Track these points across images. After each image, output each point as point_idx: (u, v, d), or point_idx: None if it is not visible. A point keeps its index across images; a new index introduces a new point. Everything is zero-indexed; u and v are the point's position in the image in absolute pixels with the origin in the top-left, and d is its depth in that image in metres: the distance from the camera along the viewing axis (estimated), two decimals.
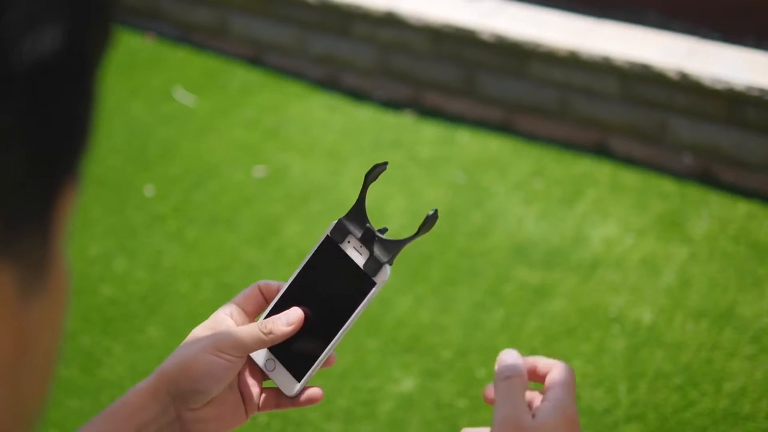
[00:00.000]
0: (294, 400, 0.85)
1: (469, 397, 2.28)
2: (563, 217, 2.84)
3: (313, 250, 0.85)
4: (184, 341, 0.82)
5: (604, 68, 3.09)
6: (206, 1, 3.75)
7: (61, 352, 0.43)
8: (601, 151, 3.13)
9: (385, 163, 0.84)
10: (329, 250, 0.85)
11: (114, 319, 2.48)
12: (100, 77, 0.40)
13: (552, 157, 3.11)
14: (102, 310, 2.51)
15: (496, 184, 2.98)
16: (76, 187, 0.40)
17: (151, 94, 3.46)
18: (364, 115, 3.35)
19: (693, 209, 2.88)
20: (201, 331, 0.83)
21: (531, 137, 3.20)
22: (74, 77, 0.38)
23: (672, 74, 3.00)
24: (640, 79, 3.06)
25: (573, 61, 3.13)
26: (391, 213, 2.85)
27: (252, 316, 0.86)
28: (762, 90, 2.90)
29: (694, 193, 2.95)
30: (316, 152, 3.15)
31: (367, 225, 0.84)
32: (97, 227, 2.79)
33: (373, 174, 0.83)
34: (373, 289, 0.83)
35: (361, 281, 0.83)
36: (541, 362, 0.82)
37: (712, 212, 2.87)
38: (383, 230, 0.84)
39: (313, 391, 0.85)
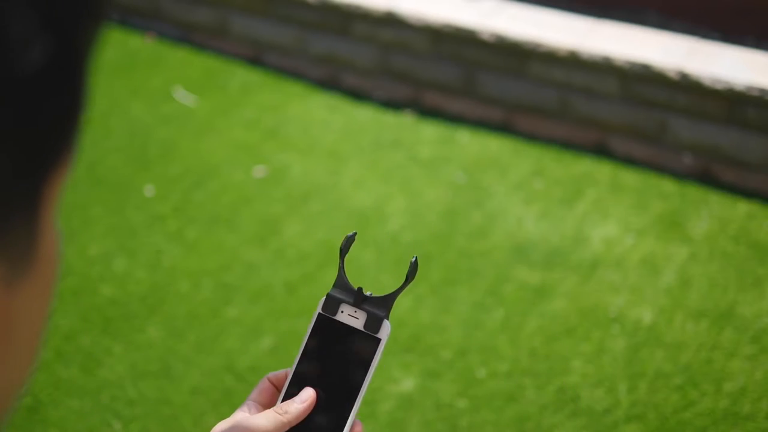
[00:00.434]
0: None
1: (469, 397, 2.28)
2: (563, 217, 2.84)
3: (309, 330, 0.88)
4: None
5: (604, 68, 3.10)
6: (206, 1, 3.75)
7: (46, 333, 0.44)
8: (601, 151, 3.13)
9: (354, 233, 0.89)
10: (325, 325, 0.87)
11: (114, 319, 2.48)
12: (89, 72, 0.41)
13: (552, 157, 3.11)
14: (102, 310, 2.51)
15: (496, 184, 2.98)
16: (65, 171, 0.41)
17: (151, 94, 3.46)
18: (364, 115, 3.35)
19: (693, 209, 2.88)
20: (222, 424, 0.85)
21: (531, 137, 3.20)
22: (64, 78, 0.39)
23: (672, 74, 3.00)
24: (640, 79, 3.06)
25: (573, 61, 3.13)
26: (391, 213, 2.85)
27: (268, 407, 0.89)
28: (762, 90, 2.90)
29: (694, 193, 2.95)
30: (316, 152, 3.15)
31: (356, 289, 0.87)
32: (97, 227, 2.79)
33: (346, 246, 0.88)
34: (380, 346, 0.86)
35: (366, 342, 0.86)
36: None
37: (712, 212, 2.87)
38: (370, 294, 0.88)
39: None
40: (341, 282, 0.88)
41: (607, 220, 2.83)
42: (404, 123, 3.30)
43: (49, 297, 0.42)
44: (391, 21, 3.38)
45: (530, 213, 2.86)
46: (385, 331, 0.86)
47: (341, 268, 0.89)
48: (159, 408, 2.25)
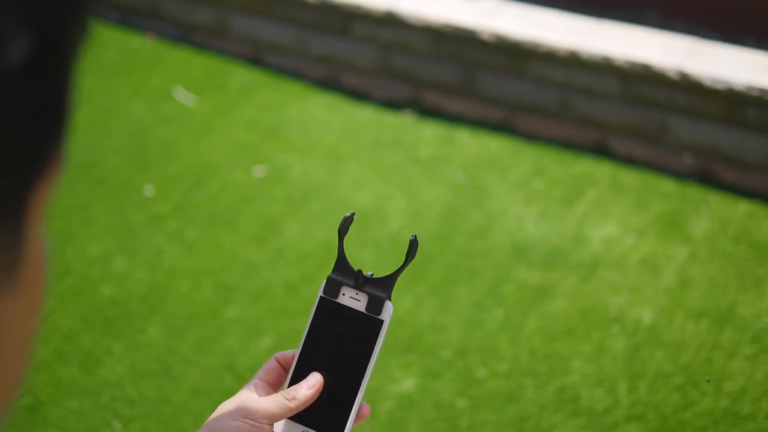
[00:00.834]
0: None
1: (469, 397, 2.28)
2: (563, 217, 2.84)
3: (312, 314, 0.88)
4: (212, 415, 0.84)
5: (604, 68, 3.09)
6: (206, 1, 3.75)
7: (38, 340, 0.43)
8: (601, 151, 3.13)
9: (352, 213, 0.89)
10: (327, 309, 0.88)
11: (114, 319, 2.48)
12: (75, 74, 0.40)
13: (552, 157, 3.11)
14: (102, 310, 2.51)
15: (496, 184, 2.98)
16: (54, 175, 0.40)
17: (151, 94, 3.46)
18: (364, 115, 3.35)
19: (693, 209, 2.88)
20: (227, 404, 0.84)
21: (531, 137, 3.20)
22: (48, 79, 0.38)
23: (672, 74, 3.00)
24: (640, 79, 3.06)
25: (573, 61, 3.13)
26: (391, 213, 2.85)
27: (275, 387, 0.88)
28: (762, 90, 2.90)
29: (694, 193, 2.95)
30: (316, 152, 3.15)
31: (357, 271, 0.87)
32: (97, 227, 2.79)
33: (344, 226, 0.88)
34: (383, 327, 0.86)
35: (369, 324, 0.87)
36: None
37: (712, 212, 2.87)
38: (370, 275, 0.88)
39: None
40: (341, 264, 0.88)
41: (607, 220, 2.83)
42: (404, 123, 3.30)
43: (37, 308, 0.41)
44: (391, 21, 3.38)
45: (530, 213, 2.86)
46: (387, 313, 0.86)
47: (341, 251, 0.88)
48: (159, 408, 2.25)
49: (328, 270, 0.91)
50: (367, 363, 0.86)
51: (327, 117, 3.34)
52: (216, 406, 0.86)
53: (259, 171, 3.05)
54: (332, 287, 0.87)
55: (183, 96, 3.45)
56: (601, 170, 3.05)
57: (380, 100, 3.41)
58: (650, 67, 3.03)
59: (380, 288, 0.87)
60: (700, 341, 2.42)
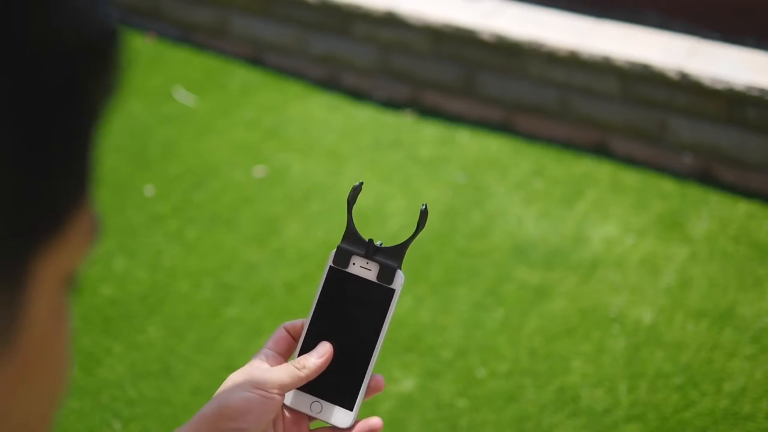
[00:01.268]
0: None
1: (469, 396, 2.28)
2: (563, 217, 2.84)
3: (322, 284, 0.86)
4: (221, 386, 0.82)
5: (604, 68, 3.09)
6: (206, 1, 3.75)
7: (55, 418, 0.39)
8: (601, 151, 3.13)
9: (361, 183, 0.87)
10: (337, 279, 0.86)
11: (114, 319, 2.48)
12: (97, 135, 0.37)
13: (552, 157, 3.11)
14: (102, 310, 2.51)
15: (496, 184, 2.98)
16: (76, 242, 0.37)
17: (151, 94, 3.46)
18: (364, 115, 3.35)
19: (693, 209, 2.88)
20: (236, 375, 0.83)
21: (531, 137, 3.20)
22: (67, 128, 0.36)
23: (672, 74, 3.00)
24: (640, 79, 3.06)
25: (573, 61, 3.13)
26: (391, 213, 2.85)
27: (285, 356, 0.87)
28: (762, 90, 2.90)
29: (694, 193, 2.95)
30: (316, 152, 3.15)
31: (367, 240, 0.86)
32: None
33: (353, 196, 0.86)
34: (395, 296, 0.85)
35: (380, 294, 0.85)
36: None
37: (712, 212, 2.87)
38: (380, 244, 0.87)
39: (373, 422, 0.87)
40: (351, 234, 0.86)
41: (607, 220, 2.83)
42: (404, 123, 3.30)
43: (46, 391, 0.37)
44: (391, 21, 3.38)
45: (530, 213, 2.86)
46: (398, 282, 0.85)
47: (350, 220, 0.87)
48: (159, 408, 2.25)
49: None
50: (379, 333, 0.85)
51: (327, 117, 3.34)
52: None
53: (259, 171, 3.05)
54: (342, 257, 0.86)
55: (183, 96, 3.45)
56: (601, 170, 3.05)
57: (380, 100, 3.41)
58: (650, 67, 3.03)
59: (391, 257, 0.86)
60: (700, 341, 2.42)
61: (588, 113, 3.16)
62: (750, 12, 3.22)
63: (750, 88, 2.91)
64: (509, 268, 2.65)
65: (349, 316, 0.86)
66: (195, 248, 2.72)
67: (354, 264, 0.86)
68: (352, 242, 0.86)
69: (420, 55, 3.37)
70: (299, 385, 0.83)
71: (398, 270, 0.85)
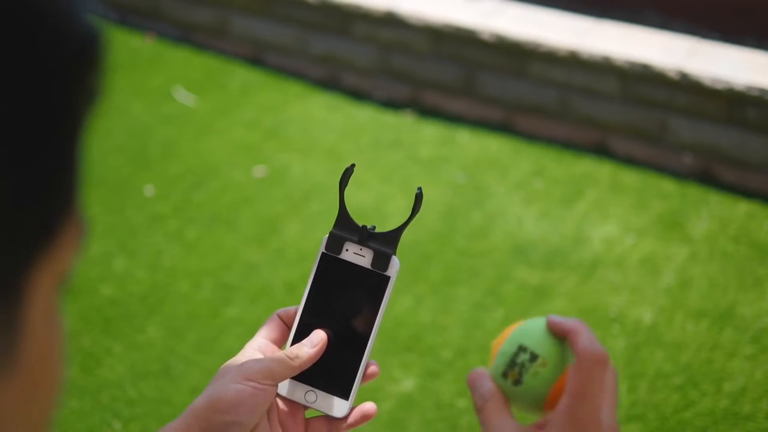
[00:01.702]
0: (346, 421, 0.83)
1: (469, 397, 2.28)
2: (563, 217, 2.84)
3: (314, 270, 0.85)
4: (213, 378, 0.80)
5: (604, 68, 3.09)
6: (206, 1, 3.75)
7: (53, 419, 0.39)
8: (601, 151, 3.13)
9: (353, 165, 0.85)
10: (330, 265, 0.84)
11: (114, 319, 2.48)
12: (81, 142, 0.37)
13: (552, 157, 3.11)
14: (102, 310, 2.51)
15: (496, 184, 2.98)
16: (66, 250, 0.36)
17: (151, 94, 3.46)
18: (364, 115, 3.35)
19: (693, 209, 2.88)
20: (228, 366, 0.81)
21: (531, 137, 3.20)
22: (43, 142, 0.35)
23: (672, 74, 3.00)
24: (640, 79, 3.06)
25: (573, 61, 3.13)
26: (391, 213, 2.85)
27: (279, 344, 0.85)
28: (762, 90, 2.90)
29: (694, 193, 2.95)
30: (316, 152, 3.15)
31: (360, 226, 0.83)
32: (97, 227, 2.79)
33: (345, 179, 0.84)
34: (389, 283, 0.82)
35: (375, 281, 0.83)
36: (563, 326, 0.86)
37: (712, 212, 2.87)
38: (372, 228, 0.84)
39: (367, 407, 0.84)
40: (343, 219, 0.84)
41: (607, 220, 2.83)
42: (404, 123, 3.30)
43: (43, 398, 0.38)
44: (391, 21, 3.38)
45: (530, 213, 2.86)
46: (393, 268, 0.82)
47: (342, 205, 0.84)
48: (159, 408, 2.25)
49: None
50: (374, 321, 0.82)
51: (327, 117, 3.34)
52: None
53: (259, 171, 3.05)
54: (335, 243, 0.84)
55: (183, 96, 3.45)
56: (601, 170, 3.05)
57: (380, 100, 3.42)
58: (650, 67, 3.03)
59: (385, 243, 0.83)
60: (700, 341, 2.42)
61: (588, 113, 3.16)
62: (750, 12, 3.22)
63: (750, 88, 2.91)
64: (509, 268, 2.65)
65: (342, 304, 0.84)
66: (195, 248, 2.72)
67: (347, 250, 0.83)
68: (345, 228, 0.84)
69: (420, 55, 3.37)
70: (292, 375, 0.81)
71: (393, 256, 0.82)
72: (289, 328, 0.85)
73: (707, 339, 2.43)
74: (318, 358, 0.82)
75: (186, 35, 3.80)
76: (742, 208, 2.88)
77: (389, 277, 0.82)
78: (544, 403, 0.85)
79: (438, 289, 2.58)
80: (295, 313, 0.85)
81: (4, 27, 0.33)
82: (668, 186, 2.98)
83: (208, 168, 3.06)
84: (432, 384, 2.31)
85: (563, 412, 0.79)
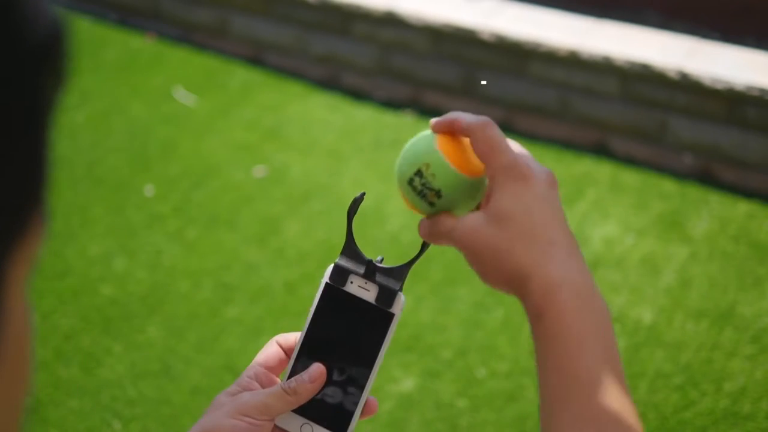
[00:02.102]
0: None
1: (469, 396, 2.28)
2: None
3: (317, 300, 0.81)
4: (207, 409, 0.78)
5: (604, 68, 3.09)
6: (206, 1, 3.75)
7: (23, 412, 0.40)
8: (601, 151, 3.13)
9: (363, 193, 0.81)
10: (333, 296, 0.81)
11: (114, 319, 2.48)
12: (51, 129, 0.37)
13: (552, 157, 3.11)
14: (102, 310, 2.51)
15: None
16: (35, 242, 0.37)
17: (151, 94, 3.46)
18: (364, 115, 3.35)
19: (693, 209, 2.88)
20: (224, 397, 0.79)
21: (531, 137, 3.20)
22: (22, 141, 0.35)
23: (672, 74, 3.00)
24: (640, 79, 3.06)
25: (573, 61, 3.13)
26: (391, 213, 2.85)
27: (277, 372, 0.83)
28: (762, 90, 2.90)
29: (694, 193, 2.95)
30: (316, 152, 3.15)
31: (367, 260, 0.80)
32: (97, 227, 2.79)
33: (354, 207, 0.81)
34: (393, 321, 0.79)
35: (378, 317, 0.80)
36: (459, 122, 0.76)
37: (712, 212, 2.87)
38: (380, 260, 0.81)
39: (368, 401, 0.81)
40: (350, 250, 0.80)
41: (607, 220, 2.83)
42: (404, 123, 3.30)
43: (21, 380, 0.38)
44: (391, 21, 3.38)
45: None
46: (399, 305, 0.79)
47: (350, 235, 0.81)
48: (159, 408, 2.25)
49: None
50: (376, 357, 0.79)
51: (327, 117, 3.34)
52: None
53: (259, 171, 3.05)
54: (339, 274, 0.80)
55: (183, 96, 3.45)
56: (601, 170, 3.05)
57: (380, 100, 3.42)
58: (650, 67, 3.03)
59: (392, 278, 0.79)
60: (700, 341, 2.42)
61: (588, 113, 3.16)
62: (750, 12, 3.22)
63: (750, 88, 2.91)
64: None
65: (344, 337, 0.80)
66: (195, 248, 2.72)
67: (351, 283, 0.80)
68: (351, 259, 0.80)
69: (420, 55, 3.37)
70: (289, 410, 0.79)
71: (399, 293, 0.79)
72: (288, 355, 0.82)
73: (707, 339, 2.43)
74: (316, 392, 0.80)
75: (186, 35, 3.80)
76: (742, 208, 2.88)
77: (393, 314, 0.80)
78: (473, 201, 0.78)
79: (438, 289, 2.58)
80: (294, 341, 0.82)
81: None
82: (668, 186, 2.98)
83: (208, 168, 3.06)
84: (432, 384, 2.31)
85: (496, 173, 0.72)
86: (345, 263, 0.81)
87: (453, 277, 2.62)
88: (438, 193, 0.76)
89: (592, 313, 0.68)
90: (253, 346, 2.40)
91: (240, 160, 3.11)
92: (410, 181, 0.77)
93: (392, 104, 3.39)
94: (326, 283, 0.81)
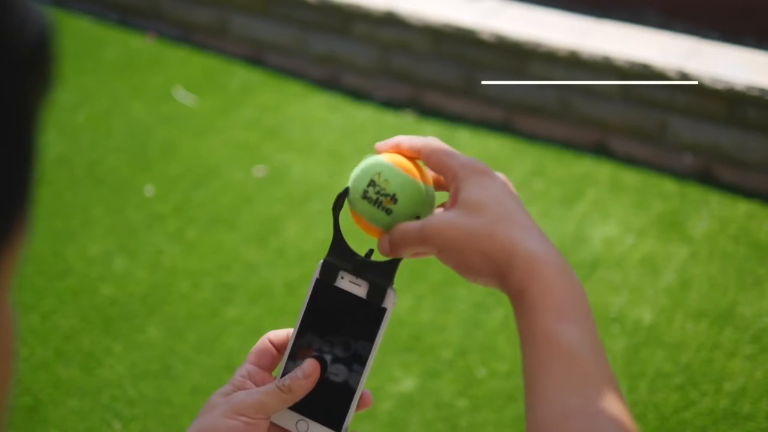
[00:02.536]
0: None
1: (469, 396, 2.28)
2: (563, 217, 2.84)
3: (308, 296, 0.81)
4: (201, 410, 0.78)
5: (604, 68, 3.09)
6: (206, 1, 3.75)
7: (6, 409, 0.40)
8: (601, 151, 3.13)
9: (347, 188, 0.79)
10: (325, 292, 0.80)
11: (114, 319, 2.48)
12: (37, 134, 0.38)
13: (552, 157, 3.11)
14: (102, 310, 2.51)
15: None
16: (18, 245, 0.37)
17: (151, 94, 3.46)
18: (364, 115, 3.35)
19: (693, 209, 2.88)
20: (218, 397, 0.79)
21: (531, 137, 3.20)
22: (4, 138, 0.35)
23: (672, 74, 3.00)
24: (640, 79, 3.06)
25: (573, 61, 3.13)
26: None
27: (269, 370, 0.82)
28: (762, 90, 2.90)
29: (694, 193, 2.95)
30: (316, 152, 3.15)
31: (356, 256, 0.80)
32: (97, 227, 2.79)
33: (339, 203, 0.79)
34: (386, 316, 0.79)
35: (370, 312, 0.80)
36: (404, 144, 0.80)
37: (712, 212, 2.87)
38: (369, 253, 0.81)
39: (363, 395, 0.81)
40: (338, 246, 0.80)
41: (607, 220, 2.83)
42: (404, 123, 3.30)
43: (3, 378, 0.39)
44: (391, 21, 3.38)
45: (530, 213, 2.85)
46: (390, 301, 0.79)
47: (336, 230, 0.80)
48: (159, 408, 2.25)
49: None
50: (369, 352, 0.80)
51: (327, 117, 3.34)
52: None
53: (259, 171, 3.05)
54: (329, 271, 0.80)
55: (183, 96, 3.45)
56: (601, 170, 3.05)
57: (380, 100, 3.42)
58: (650, 67, 3.03)
59: (382, 273, 0.79)
60: (700, 341, 2.42)
61: (588, 113, 3.16)
62: (750, 12, 3.22)
63: (750, 88, 2.91)
64: None
65: (337, 333, 0.80)
66: (195, 248, 2.72)
67: (342, 278, 0.79)
68: (340, 256, 0.80)
69: (420, 55, 3.37)
70: (285, 407, 0.79)
71: (390, 289, 0.79)
72: (280, 353, 0.82)
73: (707, 339, 2.43)
74: (311, 388, 0.80)
75: (186, 35, 3.80)
76: (742, 208, 2.88)
77: (385, 309, 0.79)
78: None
79: (438, 289, 2.58)
80: (287, 338, 0.82)
81: None
82: (668, 186, 2.98)
83: (208, 168, 3.06)
84: (432, 384, 2.31)
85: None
86: (334, 260, 0.80)
87: (453, 277, 2.62)
88: (393, 198, 0.77)
89: (574, 289, 0.70)
90: (253, 346, 2.40)
91: (240, 160, 3.11)
92: (364, 194, 0.77)
93: (392, 104, 3.39)
94: (317, 279, 0.81)
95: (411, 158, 0.81)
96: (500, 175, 0.76)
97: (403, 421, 2.22)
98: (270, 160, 3.10)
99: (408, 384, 2.31)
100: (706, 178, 3.00)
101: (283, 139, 3.22)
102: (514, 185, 0.79)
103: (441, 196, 0.81)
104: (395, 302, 0.80)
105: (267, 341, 0.83)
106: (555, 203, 2.90)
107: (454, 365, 2.36)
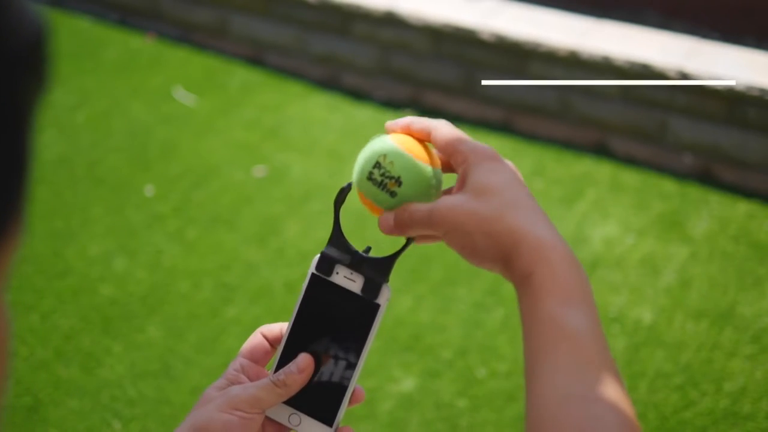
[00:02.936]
0: None
1: (469, 396, 2.28)
2: (563, 217, 2.84)
3: (304, 290, 0.81)
4: (196, 404, 0.79)
5: (604, 68, 3.09)
6: (206, 1, 3.75)
7: (3, 403, 0.40)
8: (601, 151, 3.13)
9: (349, 184, 0.81)
10: (320, 286, 0.81)
11: (114, 319, 2.48)
12: (31, 135, 0.38)
13: (552, 157, 3.11)
14: (102, 310, 2.51)
15: None
16: (13, 245, 0.37)
17: (151, 94, 3.46)
18: (364, 114, 3.35)
19: (693, 209, 2.88)
20: (213, 391, 0.79)
21: (531, 137, 3.21)
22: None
23: (672, 74, 3.00)
24: (640, 79, 3.06)
25: (573, 61, 3.13)
26: None
27: (262, 364, 0.83)
28: (762, 90, 2.90)
29: (694, 193, 2.95)
30: (316, 152, 3.15)
31: (353, 250, 0.81)
32: (97, 227, 2.79)
33: (340, 198, 0.81)
34: (379, 312, 0.80)
35: (364, 307, 0.80)
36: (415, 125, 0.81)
37: (712, 212, 2.87)
38: (367, 249, 0.82)
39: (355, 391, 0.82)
40: (336, 239, 0.81)
41: (607, 220, 2.83)
42: None
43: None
44: (391, 21, 3.38)
45: None
46: (384, 297, 0.79)
47: (337, 224, 0.81)
48: (159, 408, 2.25)
49: None
50: (362, 348, 0.80)
51: (327, 117, 3.34)
52: None
53: (259, 171, 3.05)
54: (325, 264, 0.80)
55: (183, 96, 3.45)
56: (601, 170, 3.05)
57: (380, 100, 3.42)
58: (650, 67, 3.03)
59: (377, 269, 0.80)
60: (700, 341, 2.42)
61: (588, 113, 3.16)
62: (750, 12, 3.22)
63: (750, 88, 2.91)
64: None
65: (331, 327, 0.81)
66: (195, 248, 2.72)
67: (338, 273, 0.80)
68: (338, 249, 0.81)
69: (420, 55, 3.37)
70: (279, 402, 0.80)
71: (384, 285, 0.79)
72: (272, 346, 0.83)
73: (707, 339, 2.43)
74: (305, 383, 0.80)
75: (186, 35, 3.80)
76: (742, 208, 2.88)
77: (379, 305, 0.79)
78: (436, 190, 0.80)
79: (438, 289, 2.58)
80: (280, 332, 0.82)
81: None
82: (668, 186, 2.98)
83: (208, 168, 3.06)
84: (432, 384, 2.31)
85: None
86: (332, 253, 0.81)
87: (453, 277, 2.62)
88: (398, 181, 0.78)
89: (579, 275, 0.71)
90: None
91: (240, 160, 3.11)
92: (369, 176, 0.78)
93: (392, 104, 3.39)
94: (312, 273, 0.81)
95: (420, 140, 0.82)
96: (509, 163, 0.76)
97: (403, 421, 2.22)
98: (270, 160, 3.10)
99: (408, 384, 2.31)
100: (706, 178, 3.00)
101: (283, 139, 3.22)
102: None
103: (448, 178, 0.82)
104: (389, 298, 0.80)
105: (260, 336, 0.83)
106: (555, 203, 2.90)
107: (454, 365, 2.36)
